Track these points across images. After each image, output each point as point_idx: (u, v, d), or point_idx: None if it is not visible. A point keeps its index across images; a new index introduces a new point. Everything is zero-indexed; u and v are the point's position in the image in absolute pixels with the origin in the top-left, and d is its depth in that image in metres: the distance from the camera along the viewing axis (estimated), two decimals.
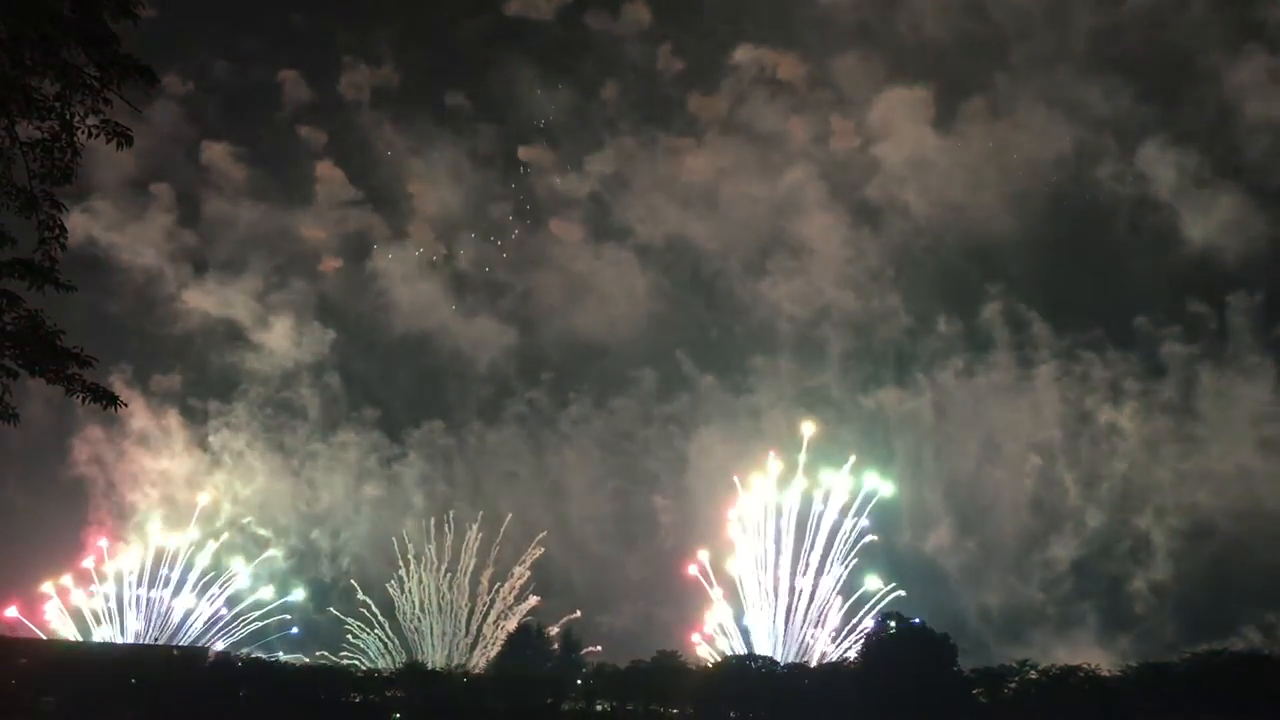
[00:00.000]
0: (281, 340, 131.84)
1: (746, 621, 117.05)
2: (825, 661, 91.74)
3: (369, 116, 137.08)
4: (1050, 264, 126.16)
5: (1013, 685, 78.89)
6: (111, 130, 23.70)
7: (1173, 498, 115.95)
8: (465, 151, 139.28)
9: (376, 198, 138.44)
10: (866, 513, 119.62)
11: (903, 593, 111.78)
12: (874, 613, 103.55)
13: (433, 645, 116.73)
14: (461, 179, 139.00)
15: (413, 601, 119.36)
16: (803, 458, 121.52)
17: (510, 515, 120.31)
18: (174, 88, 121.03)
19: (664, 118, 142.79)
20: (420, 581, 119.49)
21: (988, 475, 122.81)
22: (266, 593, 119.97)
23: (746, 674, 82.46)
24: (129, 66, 23.67)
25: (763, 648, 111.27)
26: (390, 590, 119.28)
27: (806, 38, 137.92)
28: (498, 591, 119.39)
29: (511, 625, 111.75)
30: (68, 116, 23.21)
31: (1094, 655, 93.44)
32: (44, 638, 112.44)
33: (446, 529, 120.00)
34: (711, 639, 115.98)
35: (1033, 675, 79.77)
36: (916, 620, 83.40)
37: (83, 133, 23.69)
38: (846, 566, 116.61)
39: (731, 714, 73.98)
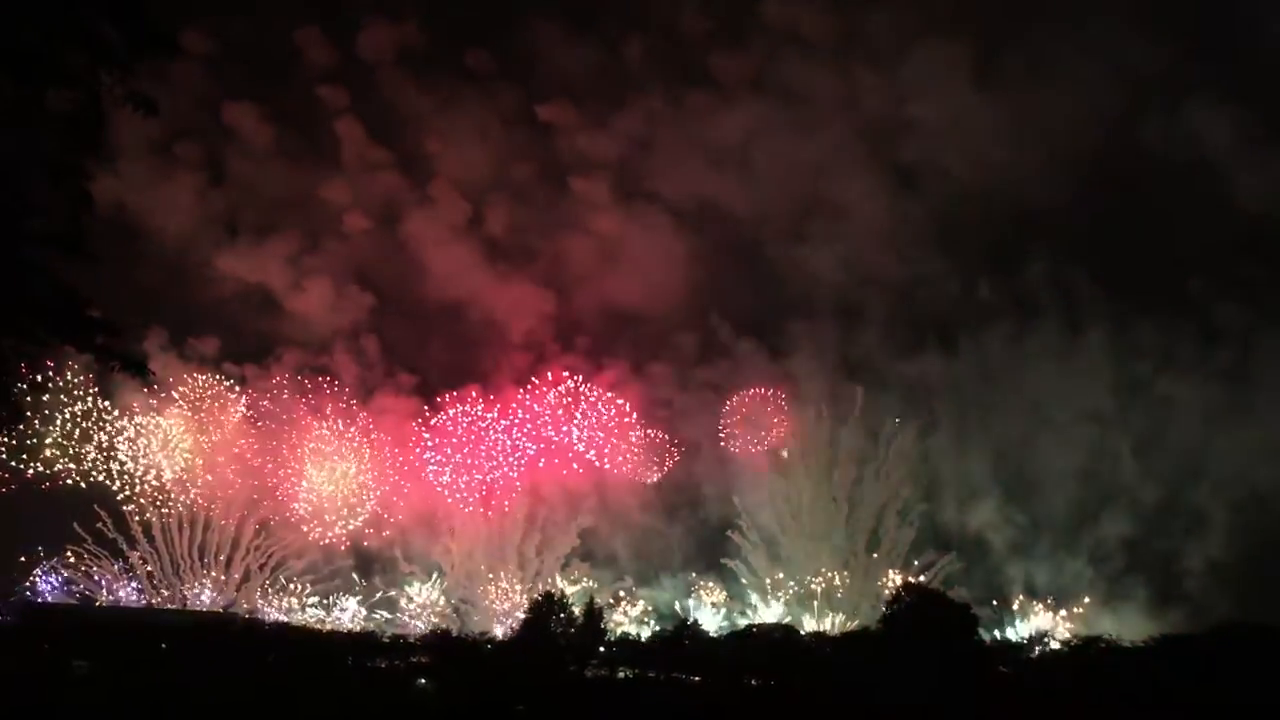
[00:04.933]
0: (317, 304, 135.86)
1: (788, 591, 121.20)
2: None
3: (391, 75, 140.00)
4: (1098, 226, 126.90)
5: (1033, 655, 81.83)
6: (136, 100, 27.03)
7: (1229, 469, 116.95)
8: (489, 111, 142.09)
9: (402, 159, 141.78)
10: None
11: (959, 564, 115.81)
12: (933, 583, 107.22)
13: (480, 614, 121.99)
14: (486, 139, 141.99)
15: (460, 571, 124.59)
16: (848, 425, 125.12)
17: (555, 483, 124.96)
18: (195, 46, 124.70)
19: (690, 76, 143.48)
20: (468, 551, 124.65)
21: (1036, 445, 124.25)
22: (313, 561, 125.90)
23: (767, 641, 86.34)
24: (155, 37, 27.08)
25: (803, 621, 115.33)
26: (438, 559, 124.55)
27: None
28: (544, 560, 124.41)
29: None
30: (94, 87, 26.57)
31: (1143, 631, 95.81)
32: (91, 602, 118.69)
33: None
34: (750, 608, 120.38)
35: (1053, 646, 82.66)
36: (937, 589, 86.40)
37: (108, 102, 27.07)
38: (897, 539, 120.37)
39: (752, 681, 77.65)
